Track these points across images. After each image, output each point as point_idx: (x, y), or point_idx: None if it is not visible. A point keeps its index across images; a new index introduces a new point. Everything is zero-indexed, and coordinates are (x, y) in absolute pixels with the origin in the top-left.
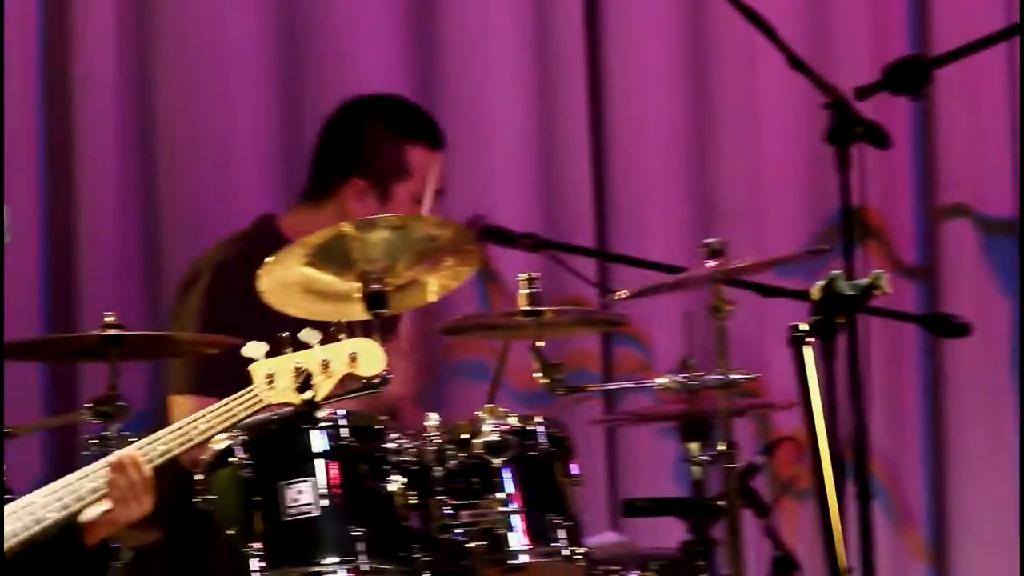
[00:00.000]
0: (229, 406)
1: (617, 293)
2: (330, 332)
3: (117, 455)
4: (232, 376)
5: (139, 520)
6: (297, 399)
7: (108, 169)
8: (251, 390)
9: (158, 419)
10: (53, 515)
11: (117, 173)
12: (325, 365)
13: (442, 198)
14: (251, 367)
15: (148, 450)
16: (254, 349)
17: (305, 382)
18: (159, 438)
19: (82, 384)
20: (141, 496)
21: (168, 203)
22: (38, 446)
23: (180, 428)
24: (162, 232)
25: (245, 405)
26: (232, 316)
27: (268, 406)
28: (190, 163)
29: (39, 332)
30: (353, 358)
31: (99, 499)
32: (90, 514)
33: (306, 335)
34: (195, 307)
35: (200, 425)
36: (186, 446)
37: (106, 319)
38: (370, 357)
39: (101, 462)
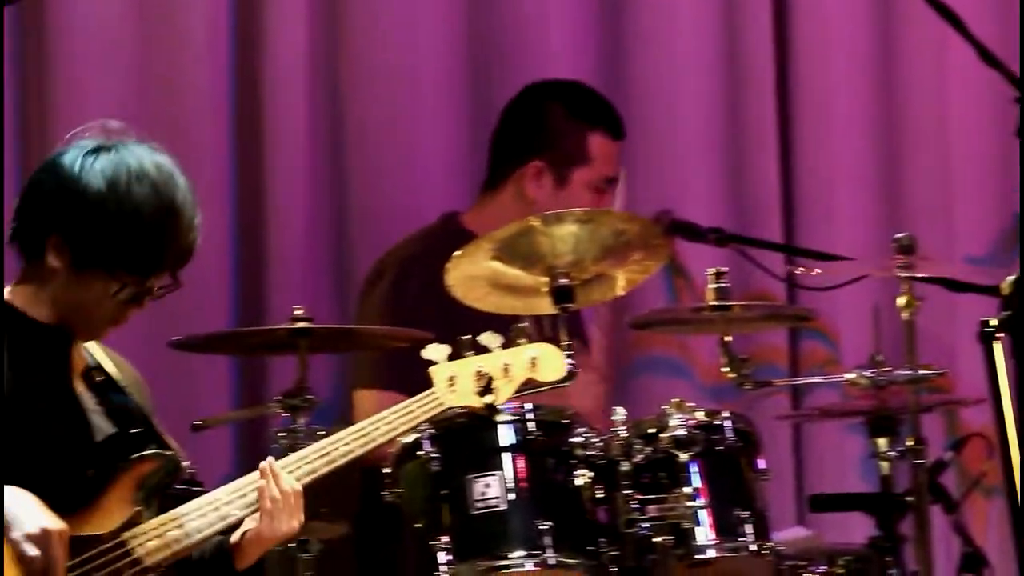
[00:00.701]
0: (410, 408)
1: (801, 269)
2: (510, 336)
3: (266, 465)
4: (414, 371)
5: (287, 539)
6: (479, 403)
7: (298, 165)
8: (432, 392)
9: (345, 412)
10: (237, 512)
11: (306, 170)
12: (506, 369)
13: (614, 187)
14: (432, 369)
15: (330, 450)
16: (435, 352)
17: (486, 386)
18: (341, 439)
19: (271, 377)
20: (294, 511)
21: (356, 199)
22: (228, 439)
23: (362, 429)
24: (349, 227)
25: (426, 408)
26: (415, 312)
27: (448, 409)
28: (378, 161)
29: (229, 326)
30: (534, 363)
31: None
32: (236, 536)
33: (487, 339)
34: (379, 304)
35: (381, 427)
36: (368, 447)
37: (295, 312)
38: (551, 362)
39: (281, 462)
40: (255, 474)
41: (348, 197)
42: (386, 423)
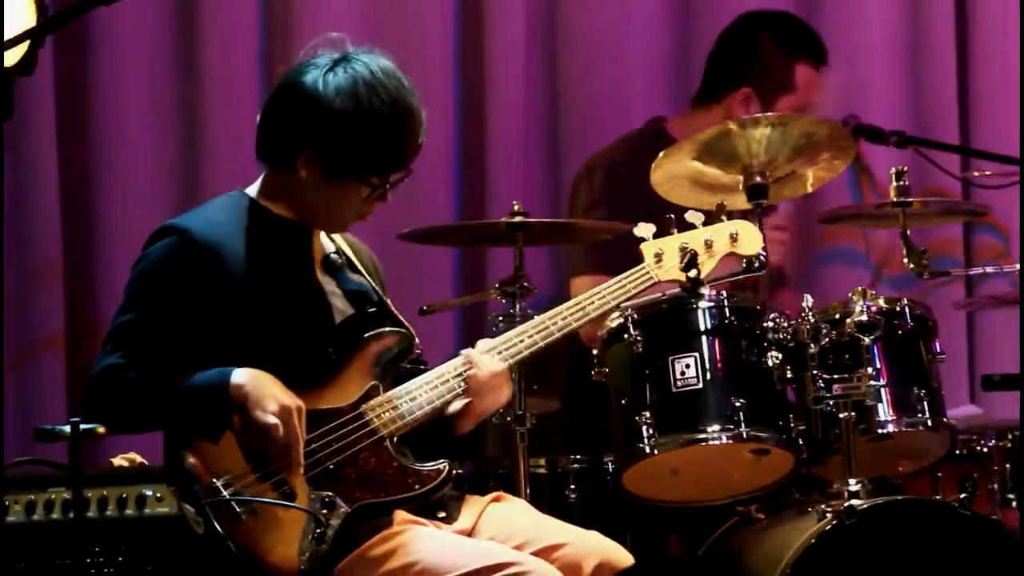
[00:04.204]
0: (622, 283)
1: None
2: (713, 213)
3: (465, 353)
4: (623, 255)
5: (495, 412)
6: (683, 277)
7: (516, 73)
8: (642, 268)
9: (557, 299)
10: (464, 384)
11: (523, 78)
12: (708, 245)
13: (818, 110)
14: (642, 246)
15: (549, 324)
16: (644, 229)
17: (691, 261)
18: (559, 313)
19: (490, 267)
20: (498, 390)
21: (568, 104)
22: (451, 322)
23: (578, 304)
24: (562, 130)
25: (637, 281)
26: (623, 208)
27: (656, 283)
28: (589, 67)
29: (453, 220)
30: (734, 238)
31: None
32: (456, 407)
33: (691, 216)
34: (589, 199)
35: (596, 300)
36: (582, 321)
37: (514, 207)
38: (749, 237)
39: (498, 339)
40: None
41: (561, 102)
42: (599, 298)
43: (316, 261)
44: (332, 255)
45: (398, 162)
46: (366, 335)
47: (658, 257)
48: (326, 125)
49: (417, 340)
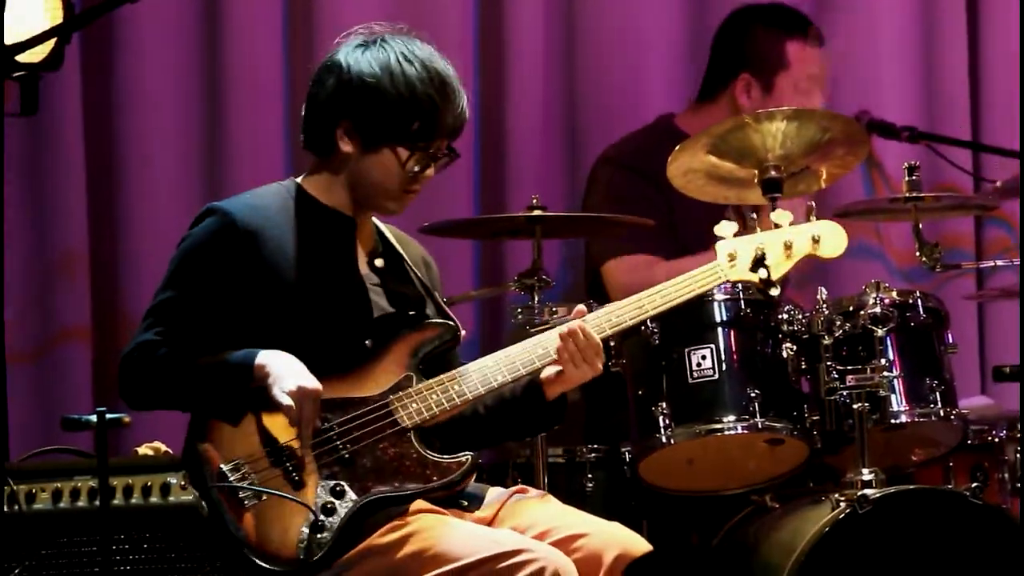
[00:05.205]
0: (687, 281)
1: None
2: (805, 211)
3: (568, 325)
4: (647, 234)
5: (591, 380)
6: (754, 277)
7: (535, 72)
8: (714, 266)
9: (574, 292)
10: (501, 378)
11: (542, 77)
12: (788, 246)
13: (819, 86)
14: (717, 245)
15: (602, 321)
16: (725, 228)
17: (758, 261)
18: (614, 310)
19: (509, 259)
20: (592, 360)
21: (585, 103)
22: (471, 313)
23: (637, 300)
24: (578, 129)
25: (705, 280)
26: (635, 200)
27: (726, 281)
28: (605, 70)
29: (472, 214)
30: (816, 240)
31: (550, 363)
32: (547, 373)
33: (777, 216)
34: (604, 190)
35: (657, 298)
36: (639, 318)
37: (532, 201)
38: (834, 240)
39: (553, 331)
40: (525, 343)
41: (579, 98)
42: (661, 296)
43: (360, 254)
44: (380, 252)
45: (433, 129)
46: (408, 326)
47: (731, 257)
48: (359, 91)
49: (463, 333)
